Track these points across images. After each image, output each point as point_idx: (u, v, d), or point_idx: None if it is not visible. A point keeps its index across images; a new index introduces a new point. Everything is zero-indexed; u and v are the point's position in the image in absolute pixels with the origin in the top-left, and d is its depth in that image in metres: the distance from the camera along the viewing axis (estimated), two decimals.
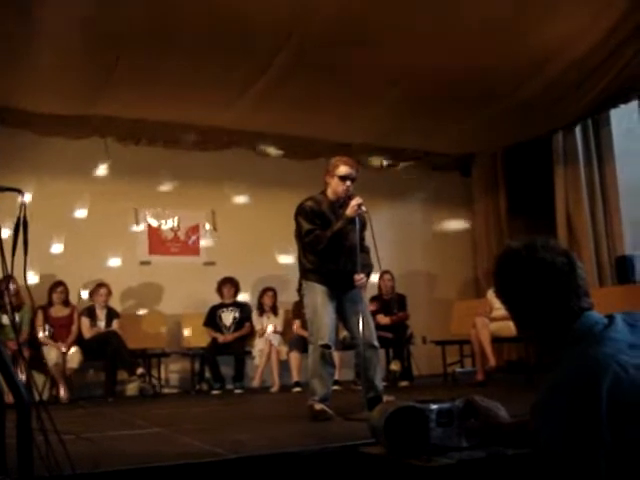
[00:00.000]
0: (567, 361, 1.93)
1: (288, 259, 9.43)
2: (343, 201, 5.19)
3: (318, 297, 5.13)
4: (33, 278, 8.24)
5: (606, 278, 9.45)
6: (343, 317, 5.26)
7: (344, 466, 3.32)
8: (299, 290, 8.40)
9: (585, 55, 7.41)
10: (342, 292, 5.21)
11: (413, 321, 9.09)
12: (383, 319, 8.73)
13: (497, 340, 8.18)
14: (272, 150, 9.81)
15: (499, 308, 8.33)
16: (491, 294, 8.65)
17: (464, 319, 8.75)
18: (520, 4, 6.48)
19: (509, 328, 8.10)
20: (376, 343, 5.23)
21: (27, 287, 3.02)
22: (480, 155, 11.14)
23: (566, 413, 1.79)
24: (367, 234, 5.32)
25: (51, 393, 7.77)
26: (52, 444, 2.80)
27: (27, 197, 3.07)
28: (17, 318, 7.62)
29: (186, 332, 9.32)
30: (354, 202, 5.05)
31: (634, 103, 8.90)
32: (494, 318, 8.29)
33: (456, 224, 11.29)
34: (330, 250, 5.11)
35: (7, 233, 2.87)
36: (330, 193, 5.27)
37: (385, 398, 5.16)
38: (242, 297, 9.29)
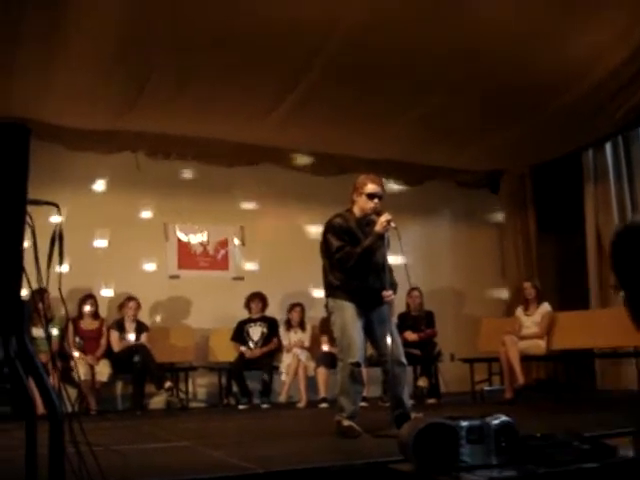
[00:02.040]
0: None
1: (316, 275, 9.42)
2: (370, 219, 5.19)
3: (347, 315, 5.11)
4: (64, 291, 8.27)
5: None
6: (371, 334, 5.23)
7: None
8: (327, 306, 8.41)
9: (615, 72, 7.37)
10: (370, 309, 5.20)
11: (441, 338, 9.04)
12: (411, 336, 8.69)
13: (526, 359, 8.13)
14: (303, 159, 9.80)
15: (528, 327, 8.31)
16: (520, 312, 8.61)
17: (492, 337, 8.69)
18: (551, 20, 6.46)
19: (538, 347, 8.09)
20: (404, 360, 5.21)
21: (63, 300, 3.05)
22: (509, 172, 11.08)
23: None
24: (391, 251, 5.31)
25: (80, 405, 7.82)
26: (83, 456, 2.83)
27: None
28: (49, 330, 7.68)
29: (214, 346, 9.34)
30: (383, 218, 5.05)
31: None
32: (523, 336, 8.25)
33: (485, 241, 11.21)
34: (358, 267, 5.10)
35: (42, 246, 2.91)
36: (357, 210, 5.27)
37: (413, 415, 5.13)
38: (270, 312, 9.28)
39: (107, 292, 8.89)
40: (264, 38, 6.57)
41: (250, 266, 9.79)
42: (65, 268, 7.55)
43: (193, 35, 6.49)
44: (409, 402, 5.33)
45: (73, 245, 7.80)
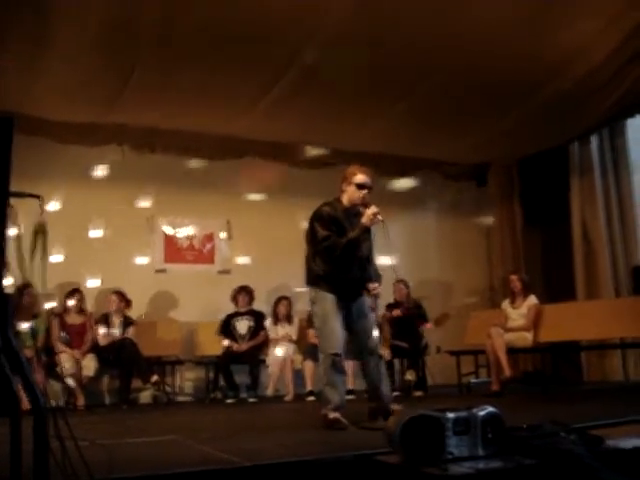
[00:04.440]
0: None
1: (303, 268, 9.42)
2: (358, 209, 5.19)
3: (328, 306, 5.11)
4: (50, 285, 8.25)
5: (622, 288, 9.40)
6: (349, 326, 5.22)
7: (359, 475, 3.30)
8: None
9: (600, 64, 7.38)
10: (350, 301, 5.20)
11: (428, 331, 9.05)
12: (395, 311, 8.83)
13: (512, 351, 8.15)
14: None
15: (515, 319, 8.33)
16: (506, 304, 8.63)
17: (479, 329, 8.71)
18: (537, 11, 6.46)
19: (525, 339, 8.11)
20: (380, 352, 5.24)
21: (46, 294, 3.03)
22: (496, 165, 11.11)
23: None
24: (378, 244, 5.32)
25: (66, 400, 7.79)
26: (68, 450, 2.81)
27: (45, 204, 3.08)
28: (33, 325, 7.65)
29: (200, 340, 9.32)
30: (370, 211, 5.04)
31: None
32: (509, 329, 8.27)
33: (471, 234, 11.23)
34: (343, 258, 5.10)
35: (25, 239, 2.89)
36: (345, 200, 5.27)
37: (393, 407, 5.17)
38: (257, 306, 9.27)
39: (93, 286, 8.84)
40: (249, 31, 6.55)
41: (236, 260, 9.76)
42: (53, 260, 7.56)
43: (178, 28, 6.46)
44: (389, 393, 5.38)
45: (58, 239, 7.82)
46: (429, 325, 8.97)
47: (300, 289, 9.09)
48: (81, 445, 2.94)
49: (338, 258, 5.09)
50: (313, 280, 5.26)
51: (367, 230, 5.11)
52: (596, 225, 9.66)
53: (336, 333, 5.05)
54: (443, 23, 6.56)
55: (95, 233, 9.00)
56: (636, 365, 9.09)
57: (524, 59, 7.26)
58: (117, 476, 2.99)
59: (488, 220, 11.32)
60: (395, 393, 8.49)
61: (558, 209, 10.17)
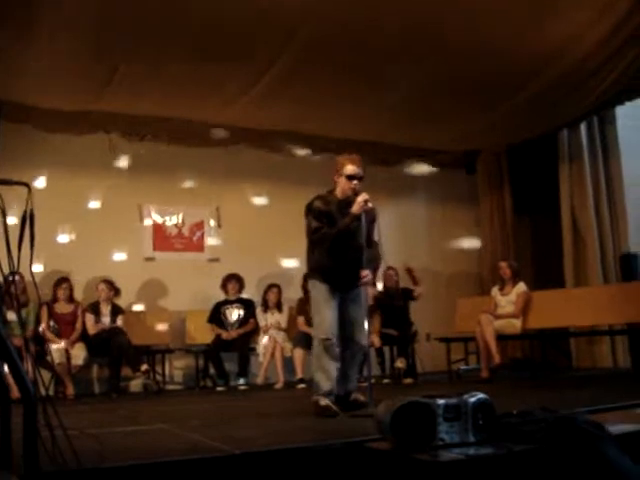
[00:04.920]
0: None
1: (292, 256, 9.43)
2: (351, 200, 5.17)
3: (321, 294, 5.18)
4: (38, 274, 8.22)
5: (611, 275, 9.44)
6: (342, 314, 5.24)
7: (350, 462, 3.31)
8: (304, 286, 8.41)
9: (590, 52, 7.39)
10: (345, 290, 5.23)
11: (417, 318, 9.06)
12: (374, 290, 8.78)
13: (502, 337, 8.18)
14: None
15: (504, 306, 8.36)
16: (496, 291, 8.65)
17: (468, 316, 8.73)
18: (527, 3, 6.47)
19: (513, 326, 8.14)
20: (364, 343, 5.25)
21: (34, 282, 3.01)
22: (485, 152, 11.12)
23: None
24: (376, 228, 5.34)
25: (56, 389, 7.77)
26: (58, 439, 2.80)
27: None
28: (23, 314, 7.62)
29: (190, 328, 9.31)
30: (360, 198, 5.05)
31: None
32: (499, 315, 8.30)
33: (461, 221, 11.25)
34: (336, 248, 5.12)
35: (13, 228, 2.87)
36: (338, 192, 5.27)
37: (357, 396, 5.25)
38: (246, 294, 9.26)
39: (82, 275, 8.80)
40: (240, 19, 6.52)
41: (226, 247, 9.73)
42: (41, 249, 7.51)
43: (167, 16, 6.41)
44: (355, 382, 5.42)
45: (47, 228, 7.79)
46: (419, 288, 8.92)
47: (291, 277, 9.20)
48: (70, 434, 2.93)
49: (331, 249, 5.11)
50: (310, 270, 5.35)
51: (358, 218, 5.09)
52: (585, 212, 9.69)
53: (328, 320, 5.09)
54: (435, 12, 6.54)
55: (83, 222, 8.95)
56: (624, 352, 9.12)
57: (515, 49, 7.27)
58: (107, 465, 2.99)
59: (477, 207, 11.33)
60: (385, 381, 8.55)
61: (547, 196, 10.19)
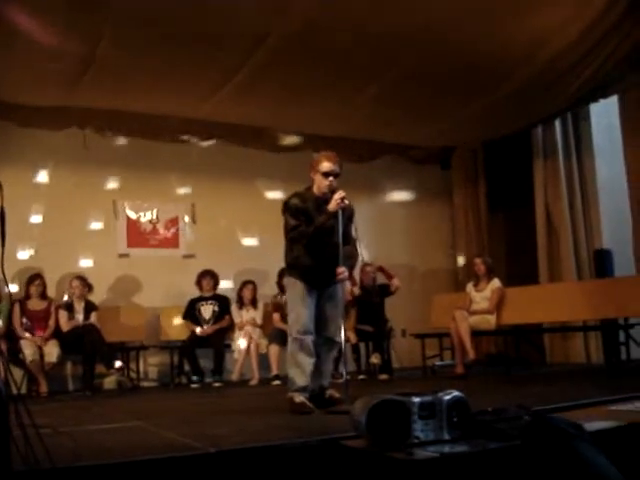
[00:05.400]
0: None
1: (268, 252, 9.41)
2: (328, 197, 5.16)
3: (297, 291, 5.17)
4: (10, 271, 8.14)
5: (585, 272, 9.51)
6: (318, 311, 5.24)
7: (325, 459, 3.30)
8: (279, 283, 8.41)
9: (565, 50, 7.41)
10: (321, 287, 5.23)
11: (393, 314, 9.08)
12: (355, 289, 8.85)
13: (476, 333, 8.23)
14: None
15: (478, 302, 8.40)
16: (470, 287, 8.69)
17: (443, 312, 8.76)
18: (503, 0, 6.50)
19: (488, 322, 8.19)
20: (340, 339, 5.25)
21: (5, 279, 2.97)
22: (460, 148, 11.15)
23: None
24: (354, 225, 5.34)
25: (29, 387, 7.71)
26: (30, 438, 2.77)
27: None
28: None
29: (165, 325, 9.26)
30: (337, 196, 5.04)
31: (614, 98, 8.91)
32: (473, 311, 8.34)
33: (436, 217, 11.29)
34: (313, 246, 5.11)
35: None
36: (315, 189, 5.25)
37: (330, 393, 5.23)
38: (221, 290, 9.23)
39: (55, 271, 8.72)
40: (215, 15, 6.47)
41: (201, 244, 9.69)
42: (13, 245, 7.44)
43: (142, 10, 6.36)
44: (329, 377, 5.40)
45: (20, 224, 7.71)
46: (395, 281, 8.94)
47: (266, 273, 9.19)
48: (43, 433, 2.90)
49: (308, 246, 5.11)
50: (287, 267, 5.34)
51: (335, 216, 5.08)
52: (559, 209, 9.75)
53: (304, 317, 5.09)
54: (411, 9, 6.54)
55: (57, 218, 8.87)
56: (598, 347, 9.20)
57: (490, 47, 7.29)
58: (81, 464, 2.96)
59: (452, 203, 11.37)
60: (361, 376, 8.57)
61: (522, 193, 10.25)
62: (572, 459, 2.48)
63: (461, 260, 10.99)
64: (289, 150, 9.67)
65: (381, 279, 9.17)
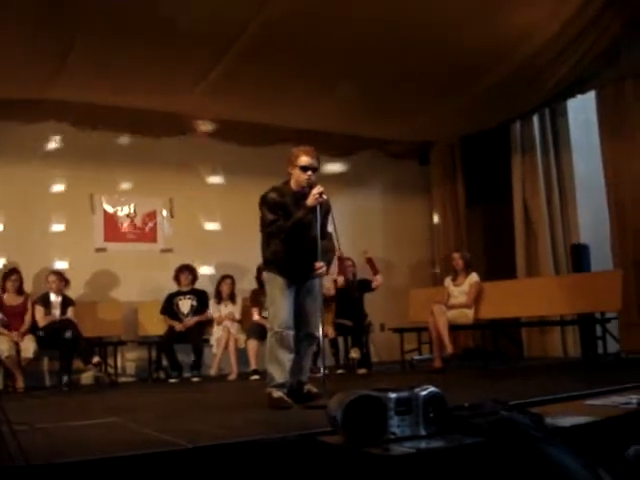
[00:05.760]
0: None
1: (246, 247, 9.38)
2: (305, 192, 5.15)
3: (276, 286, 5.16)
4: None
5: (562, 266, 9.56)
6: (297, 306, 5.24)
7: (302, 455, 3.30)
8: (257, 277, 8.39)
9: (543, 46, 7.47)
10: (300, 282, 5.22)
11: (371, 309, 9.10)
12: (339, 280, 8.89)
13: (454, 327, 8.26)
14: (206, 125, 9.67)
15: (456, 296, 8.43)
16: (448, 282, 8.73)
17: (422, 307, 8.79)
18: None
19: (466, 316, 8.23)
20: (317, 334, 5.27)
21: None
22: (438, 143, 11.18)
23: None
24: (330, 220, 5.33)
25: (5, 382, 7.66)
26: (4, 435, 2.75)
27: None
28: None
29: (143, 320, 9.23)
30: (315, 191, 5.03)
31: (591, 94, 8.97)
32: (451, 306, 8.38)
33: (414, 212, 11.32)
34: (291, 240, 5.10)
35: None
36: (293, 184, 5.24)
37: (309, 388, 5.25)
38: (200, 285, 9.20)
39: (31, 266, 8.65)
40: (193, 10, 6.45)
41: (179, 238, 9.65)
42: None
43: (117, 5, 6.32)
44: (307, 372, 5.43)
45: None
46: (379, 277, 8.98)
47: (244, 268, 9.17)
48: (19, 429, 2.89)
49: (286, 241, 5.10)
50: (265, 262, 5.31)
51: (312, 210, 5.08)
52: (537, 204, 9.80)
53: (282, 312, 5.08)
54: (387, 6, 6.55)
55: (33, 212, 8.81)
56: (575, 342, 9.26)
57: (469, 43, 7.32)
58: (57, 461, 2.94)
59: (431, 198, 11.40)
60: (340, 371, 8.58)
61: (500, 188, 10.28)
62: (538, 460, 2.51)
63: (439, 254, 11.04)
64: (268, 144, 9.64)
65: (361, 274, 9.18)
